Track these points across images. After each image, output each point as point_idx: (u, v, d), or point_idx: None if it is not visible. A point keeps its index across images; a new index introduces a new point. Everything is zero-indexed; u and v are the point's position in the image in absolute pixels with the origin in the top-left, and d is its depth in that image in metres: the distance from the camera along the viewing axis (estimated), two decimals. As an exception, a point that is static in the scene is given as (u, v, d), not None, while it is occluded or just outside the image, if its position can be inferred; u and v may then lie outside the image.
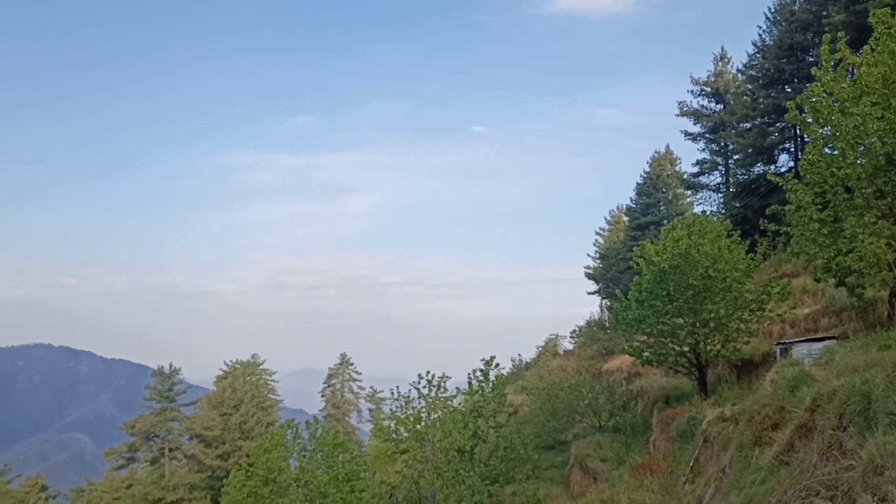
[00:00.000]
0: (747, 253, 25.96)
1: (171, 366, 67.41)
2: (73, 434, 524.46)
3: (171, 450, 66.12)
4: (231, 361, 79.26)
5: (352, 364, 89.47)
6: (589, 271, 75.27)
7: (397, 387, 28.38)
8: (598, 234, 75.24)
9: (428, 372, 27.94)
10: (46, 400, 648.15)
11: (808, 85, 26.08)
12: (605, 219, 75.14)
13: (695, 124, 55.15)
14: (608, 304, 64.40)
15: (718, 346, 24.74)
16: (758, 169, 47.54)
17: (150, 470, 65.71)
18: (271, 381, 79.92)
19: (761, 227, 24.05)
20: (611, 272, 66.81)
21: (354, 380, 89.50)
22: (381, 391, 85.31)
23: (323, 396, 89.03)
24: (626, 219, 68.89)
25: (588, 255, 75.98)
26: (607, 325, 57.04)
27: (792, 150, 46.45)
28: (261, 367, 78.90)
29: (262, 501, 31.66)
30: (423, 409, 27.28)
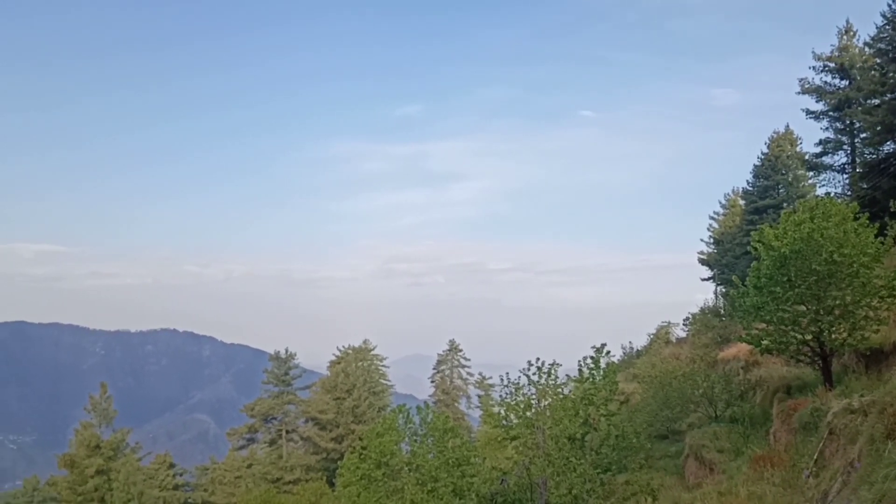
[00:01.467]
0: (876, 236, 24.50)
1: (286, 351, 69.69)
2: (197, 415, 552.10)
3: (287, 432, 68.47)
4: (343, 347, 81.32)
5: (460, 350, 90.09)
6: (703, 257, 73.10)
7: (507, 373, 28.34)
8: (712, 218, 72.92)
9: (538, 359, 27.76)
10: (173, 382, 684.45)
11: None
12: (720, 203, 72.72)
13: (817, 102, 52.32)
14: (723, 290, 62.34)
15: (845, 335, 23.48)
16: (888, 147, 44.69)
17: (269, 450, 68.24)
18: (382, 366, 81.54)
19: (892, 209, 22.66)
20: (726, 258, 64.65)
21: (463, 366, 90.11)
22: (490, 378, 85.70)
23: (432, 382, 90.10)
24: (742, 202, 66.39)
25: (701, 240, 73.79)
26: (722, 312, 55.24)
27: (926, 126, 43.45)
28: (372, 352, 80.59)
29: (375, 484, 32.32)
30: (534, 396, 27.15)
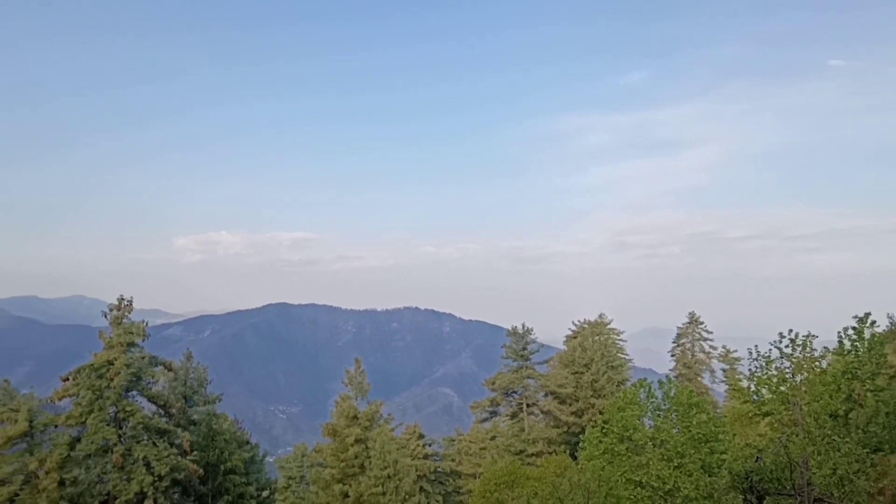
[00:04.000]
0: None
1: (523, 326, 70.65)
2: (441, 388, 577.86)
3: (528, 405, 69.62)
4: (579, 321, 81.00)
5: (702, 323, 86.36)
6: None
7: (755, 346, 26.83)
8: None
9: (790, 331, 25.99)
10: (417, 357, 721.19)
11: None
12: None
13: None
14: None
15: None
16: None
17: (511, 423, 69.78)
18: (619, 340, 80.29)
19: None
20: None
21: (705, 339, 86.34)
22: (735, 351, 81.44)
23: (672, 356, 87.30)
24: None
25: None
26: None
27: None
28: (608, 326, 79.58)
29: (619, 458, 31.96)
30: (788, 370, 25.46)
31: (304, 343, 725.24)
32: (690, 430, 29.49)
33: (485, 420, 73.82)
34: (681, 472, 28.82)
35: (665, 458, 29.74)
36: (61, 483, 32.69)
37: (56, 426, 36.05)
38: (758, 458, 25.77)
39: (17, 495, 32.91)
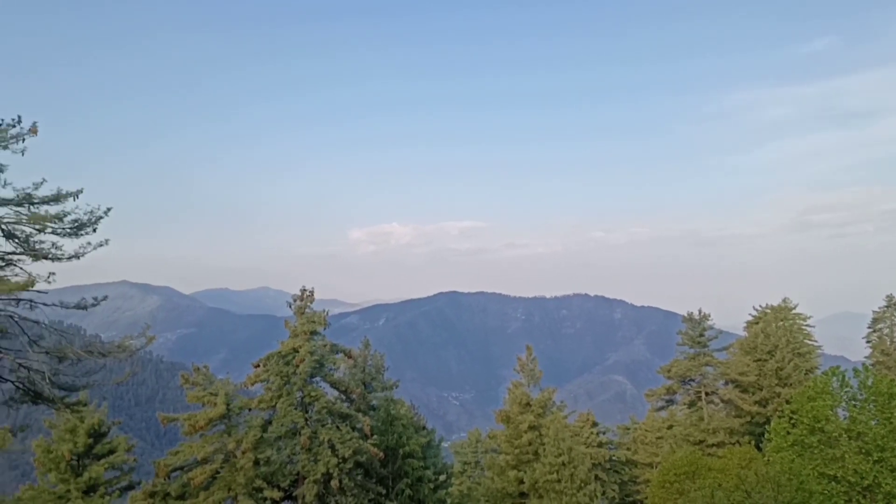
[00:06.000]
0: None
1: (700, 311, 67.96)
2: (614, 376, 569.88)
3: (707, 394, 66.99)
4: (760, 306, 76.98)
5: (902, 306, 79.50)
6: None
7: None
8: None
9: None
10: (587, 344, 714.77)
11: None
12: None
13: None
14: None
15: None
16: None
17: (689, 412, 67.45)
18: (806, 325, 75.45)
19: None
20: None
21: (905, 324, 79.42)
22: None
23: (868, 343, 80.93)
24: None
25: None
26: None
27: None
28: (793, 311, 75.03)
29: (810, 451, 30.12)
30: None
31: (474, 330, 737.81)
32: (892, 422, 27.34)
33: (661, 408, 71.86)
34: (882, 467, 26.80)
35: (863, 451, 27.76)
36: (256, 462, 34.99)
37: (249, 409, 38.58)
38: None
39: (218, 472, 35.60)
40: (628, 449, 71.68)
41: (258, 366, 39.76)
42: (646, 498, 59.59)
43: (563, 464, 45.68)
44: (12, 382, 24.54)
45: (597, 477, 62.43)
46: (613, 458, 71.16)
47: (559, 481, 45.42)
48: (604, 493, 65.29)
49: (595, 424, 72.69)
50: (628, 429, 76.92)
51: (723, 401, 67.15)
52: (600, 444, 70.29)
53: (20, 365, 23.77)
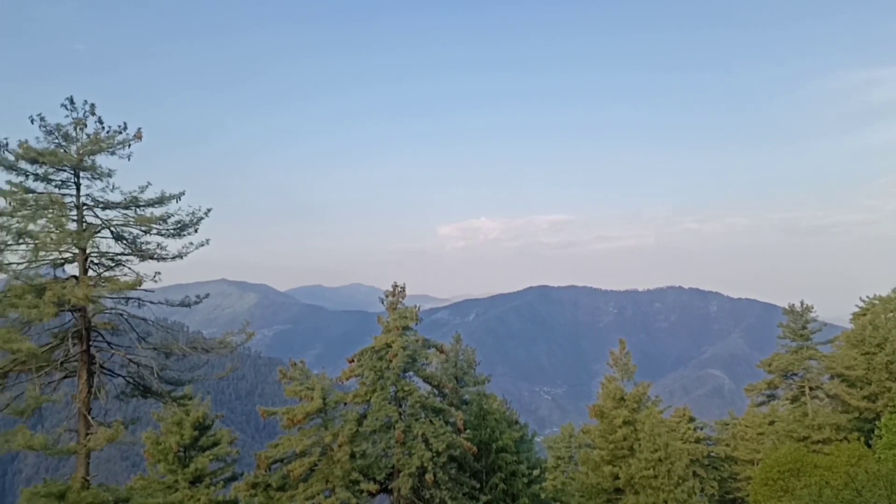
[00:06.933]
0: None
1: (802, 303, 65.37)
2: (710, 370, 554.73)
3: (811, 388, 64.43)
4: (868, 297, 73.63)
5: None
6: None
7: None
8: None
9: None
10: (682, 338, 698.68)
11: None
12: None
13: None
14: None
15: None
16: None
17: (791, 408, 65.05)
18: (919, 316, 71.64)
19: None
20: None
21: None
22: None
23: None
24: None
25: None
26: None
27: None
28: (904, 301, 71.41)
29: (926, 448, 28.59)
30: None
31: (565, 325, 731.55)
32: None
33: (761, 404, 69.52)
34: None
35: None
36: (352, 455, 35.54)
37: (345, 404, 39.20)
38: None
39: (316, 465, 36.37)
40: (727, 445, 69.71)
41: (352, 361, 40.38)
42: (747, 495, 57.89)
43: (660, 459, 44.71)
44: (123, 377, 25.77)
45: (695, 473, 60.91)
46: (712, 454, 69.37)
47: (655, 477, 44.50)
48: (703, 490, 63.76)
49: (692, 420, 71.03)
50: (727, 424, 74.74)
51: (828, 396, 64.48)
52: (698, 440, 68.65)
53: (130, 360, 24.96)
